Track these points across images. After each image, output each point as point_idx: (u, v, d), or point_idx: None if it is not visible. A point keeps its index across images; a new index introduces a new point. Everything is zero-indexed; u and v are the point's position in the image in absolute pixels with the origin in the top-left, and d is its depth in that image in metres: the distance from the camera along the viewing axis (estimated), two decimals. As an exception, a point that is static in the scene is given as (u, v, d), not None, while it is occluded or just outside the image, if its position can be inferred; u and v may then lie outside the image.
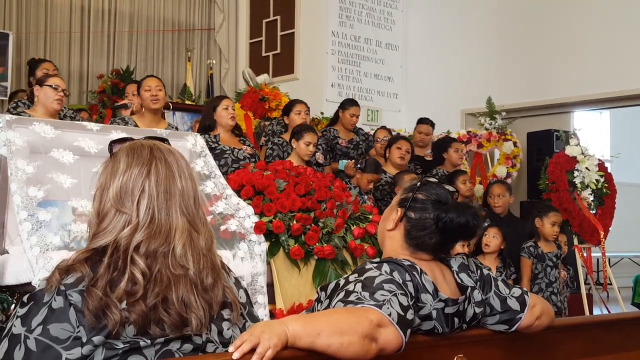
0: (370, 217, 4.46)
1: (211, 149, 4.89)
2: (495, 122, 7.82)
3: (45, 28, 8.97)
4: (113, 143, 1.72)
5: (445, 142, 6.75)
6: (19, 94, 6.44)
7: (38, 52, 8.77)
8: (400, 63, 9.53)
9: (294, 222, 4.06)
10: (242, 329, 1.66)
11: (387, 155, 6.07)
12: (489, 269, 2.12)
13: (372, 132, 7.03)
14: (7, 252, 3.60)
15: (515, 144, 7.73)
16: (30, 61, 6.23)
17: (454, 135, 7.62)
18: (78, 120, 5.34)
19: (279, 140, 5.68)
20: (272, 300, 3.86)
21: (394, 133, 7.16)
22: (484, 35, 8.61)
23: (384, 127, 6.96)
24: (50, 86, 4.58)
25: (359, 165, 5.72)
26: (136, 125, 4.87)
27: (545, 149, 7.46)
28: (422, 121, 7.04)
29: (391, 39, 9.50)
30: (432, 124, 7.03)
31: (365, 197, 5.42)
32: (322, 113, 7.98)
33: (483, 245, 5.00)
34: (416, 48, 9.42)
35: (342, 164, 5.88)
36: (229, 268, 1.75)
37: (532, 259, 5.11)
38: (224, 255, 3.59)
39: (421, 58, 9.30)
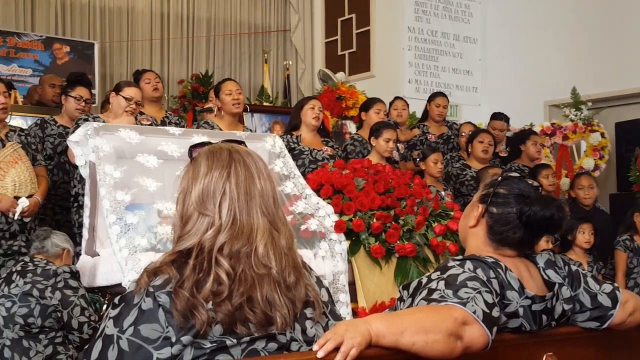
0: (452, 213, 4.40)
1: (290, 150, 4.93)
2: (580, 113, 7.57)
3: (128, 36, 9.23)
4: (192, 148, 1.76)
5: (524, 135, 6.58)
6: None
7: (121, 60, 9.04)
8: (479, 56, 9.37)
9: (374, 220, 4.05)
10: (325, 328, 1.66)
11: (469, 150, 5.98)
12: (579, 265, 2.06)
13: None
14: (98, 255, 3.73)
15: (602, 134, 7.47)
16: (135, 73, 6.40)
17: (537, 128, 7.43)
18: (183, 125, 5.49)
19: (358, 137, 5.66)
20: (354, 298, 3.86)
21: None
22: (566, 22, 8.35)
23: (469, 122, 6.86)
24: (124, 97, 4.58)
25: (419, 159, 5.65)
26: (220, 129, 4.94)
27: (635, 139, 7.17)
28: (496, 117, 6.86)
29: (469, 32, 9.35)
30: (507, 119, 6.86)
31: (444, 193, 5.34)
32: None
33: (582, 243, 4.86)
34: (495, 40, 9.23)
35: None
36: (310, 267, 1.76)
37: (628, 252, 4.93)
38: (305, 254, 3.62)
39: (501, 50, 9.11)
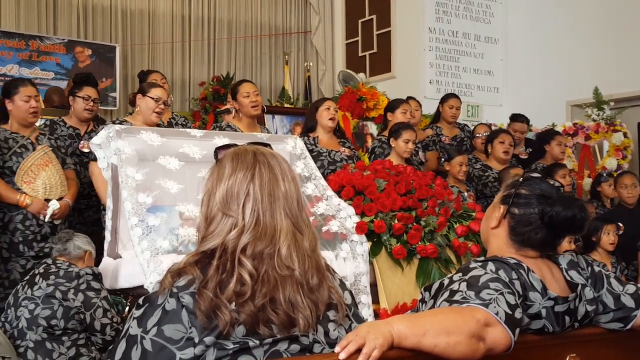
0: (474, 214, 4.38)
1: (308, 151, 4.93)
2: (603, 113, 7.51)
3: (149, 39, 9.29)
4: (218, 150, 1.77)
5: (548, 135, 6.53)
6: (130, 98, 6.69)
7: (143, 62, 9.10)
8: (501, 56, 9.32)
9: (396, 221, 4.04)
10: (348, 330, 1.66)
11: (488, 151, 5.94)
12: (603, 265, 2.04)
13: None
14: (120, 257, 3.75)
15: (625, 134, 7.40)
16: (140, 73, 6.44)
17: (559, 128, 7.37)
18: (189, 126, 5.49)
19: (385, 139, 5.64)
20: (375, 300, 3.85)
21: (494, 128, 7.00)
22: (589, 22, 8.28)
23: (483, 123, 6.82)
24: (152, 98, 4.57)
25: (443, 160, 5.62)
26: (241, 131, 4.94)
27: (658, 139, 7.12)
28: (516, 118, 6.81)
29: (490, 32, 9.31)
30: (527, 121, 6.81)
31: (466, 194, 5.32)
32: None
33: (607, 244, 4.82)
34: (517, 40, 9.17)
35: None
36: (333, 270, 1.77)
37: None
38: (327, 256, 3.60)
39: (522, 50, 9.06)
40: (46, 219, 4.24)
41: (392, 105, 5.96)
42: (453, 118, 6.44)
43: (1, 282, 4.19)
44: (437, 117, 6.57)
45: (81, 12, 8.77)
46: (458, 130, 6.49)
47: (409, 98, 6.49)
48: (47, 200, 4.27)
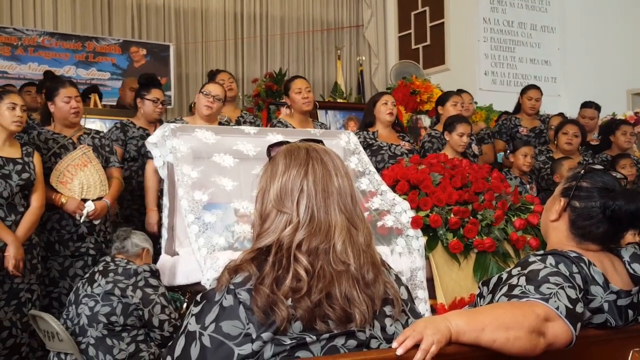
0: (532, 207, 4.30)
1: (369, 146, 4.91)
2: (665, 101, 7.31)
3: (202, 37, 9.39)
4: (271, 147, 1.78)
5: (613, 125, 6.38)
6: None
7: (196, 61, 9.21)
8: (558, 45, 9.15)
9: (452, 215, 3.99)
10: (405, 325, 1.65)
11: (556, 143, 5.83)
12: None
13: None
14: (178, 254, 3.80)
15: (687, 122, 7.19)
16: (209, 73, 6.51)
17: (619, 117, 7.19)
18: (259, 124, 5.54)
19: (436, 133, 5.59)
20: (432, 295, 3.82)
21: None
22: (649, 8, 8.07)
23: (560, 114, 6.71)
24: (203, 93, 4.65)
25: (508, 152, 5.53)
26: (293, 127, 4.96)
27: None
28: (586, 105, 6.71)
29: (547, 21, 9.15)
30: (598, 108, 6.68)
31: (528, 186, 5.23)
32: (475, 102, 7.80)
33: None
34: (574, 28, 8.99)
35: (500, 156, 5.73)
36: (389, 265, 1.76)
37: None
38: (382, 251, 3.59)
39: (580, 38, 8.87)
40: (81, 220, 4.28)
41: (443, 99, 5.91)
42: (532, 110, 6.37)
43: (42, 280, 4.26)
44: (517, 108, 6.50)
45: (135, 13, 8.92)
46: (539, 121, 6.40)
47: (460, 91, 6.44)
48: (85, 200, 4.30)
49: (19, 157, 4.09)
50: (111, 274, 3.49)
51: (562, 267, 1.79)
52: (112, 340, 3.40)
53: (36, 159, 4.16)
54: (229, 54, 9.55)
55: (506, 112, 7.01)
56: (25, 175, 4.05)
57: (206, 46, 9.40)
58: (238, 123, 5.29)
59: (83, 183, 4.32)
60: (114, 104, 7.19)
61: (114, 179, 4.53)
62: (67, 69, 8.10)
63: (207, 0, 9.44)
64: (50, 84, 4.69)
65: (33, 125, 4.87)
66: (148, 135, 4.98)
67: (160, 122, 5.24)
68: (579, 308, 1.71)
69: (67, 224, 4.29)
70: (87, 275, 3.62)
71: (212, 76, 5.95)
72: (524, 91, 6.45)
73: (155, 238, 4.25)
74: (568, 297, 1.69)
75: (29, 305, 4.01)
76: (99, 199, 4.35)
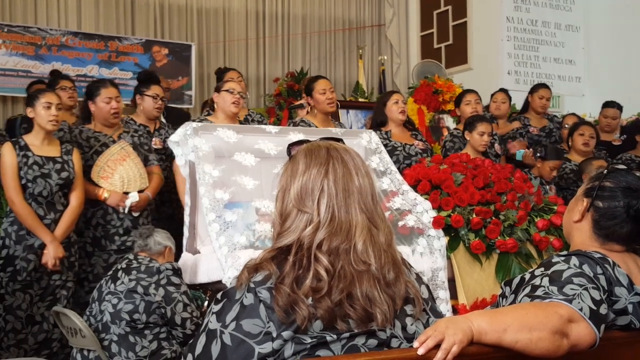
0: (555, 208, 4.27)
1: (383, 146, 4.90)
2: (691, 101, 7.22)
3: (224, 37, 9.42)
4: (291, 146, 1.78)
5: (638, 125, 6.33)
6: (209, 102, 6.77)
7: (218, 60, 9.23)
8: (582, 44, 9.07)
9: (474, 215, 3.97)
10: (426, 325, 1.65)
11: (569, 143, 5.79)
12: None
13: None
14: (199, 252, 3.81)
15: None
16: (217, 71, 6.53)
17: (645, 117, 7.13)
18: (265, 122, 5.55)
19: (457, 133, 5.56)
20: (453, 295, 3.81)
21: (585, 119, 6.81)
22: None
23: (573, 114, 6.66)
24: (227, 90, 4.65)
25: (538, 154, 5.48)
26: (315, 127, 4.95)
27: None
28: (608, 105, 6.65)
29: (571, 20, 9.08)
30: (620, 108, 6.62)
31: (548, 187, 5.19)
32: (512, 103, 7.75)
33: None
34: (599, 27, 8.90)
35: (520, 154, 5.68)
36: (409, 264, 1.75)
37: None
38: (403, 250, 3.58)
39: (605, 37, 8.78)
40: (125, 211, 4.34)
41: (457, 100, 5.93)
42: (543, 109, 6.33)
43: (85, 276, 4.33)
44: (525, 107, 6.45)
45: (158, 12, 8.97)
46: (547, 121, 6.36)
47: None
48: (127, 194, 4.38)
49: (58, 156, 4.19)
50: (134, 272, 3.51)
51: (586, 268, 1.78)
52: (135, 338, 3.42)
53: (75, 157, 4.24)
54: (250, 53, 9.57)
55: (515, 112, 6.94)
56: (64, 175, 4.14)
57: (228, 45, 9.43)
58: (246, 122, 5.29)
59: (123, 177, 4.41)
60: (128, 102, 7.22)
61: (153, 175, 4.60)
62: (90, 68, 8.17)
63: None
64: (91, 84, 4.76)
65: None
66: (148, 132, 5.03)
67: (169, 115, 5.26)
68: (603, 309, 1.69)
69: (111, 218, 4.39)
70: (110, 272, 3.65)
71: (220, 74, 5.96)
72: (534, 90, 6.39)
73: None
74: (592, 298, 1.68)
75: (64, 302, 4.11)
76: (140, 192, 4.44)
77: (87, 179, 4.39)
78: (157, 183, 4.63)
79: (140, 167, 4.51)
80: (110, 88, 4.53)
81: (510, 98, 6.48)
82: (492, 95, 6.40)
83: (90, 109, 4.53)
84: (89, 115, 4.56)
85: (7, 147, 4.13)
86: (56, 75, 6.16)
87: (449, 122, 7.27)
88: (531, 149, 5.68)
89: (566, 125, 6.16)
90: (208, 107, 5.91)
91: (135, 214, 4.42)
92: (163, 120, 5.56)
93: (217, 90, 4.72)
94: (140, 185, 4.47)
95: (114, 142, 4.51)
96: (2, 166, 4.11)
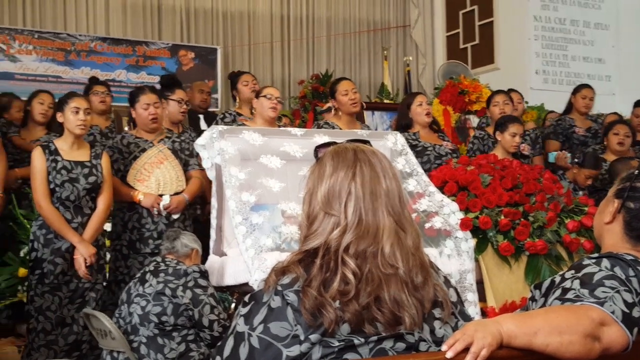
0: (586, 209, 4.21)
1: (412, 147, 4.88)
2: None
3: (249, 40, 9.47)
4: (318, 148, 1.78)
5: None
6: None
7: (243, 63, 9.28)
8: (612, 43, 8.97)
9: (502, 217, 3.94)
10: (454, 328, 1.64)
11: (605, 142, 5.70)
12: None
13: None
14: (226, 255, 3.83)
15: None
16: (230, 75, 6.56)
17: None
18: (282, 125, 5.58)
19: (480, 134, 5.53)
20: (482, 298, 3.78)
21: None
22: None
23: (614, 113, 6.56)
24: (265, 96, 4.78)
25: (576, 160, 5.40)
26: (340, 129, 4.96)
27: None
28: (639, 104, 6.56)
29: (600, 18, 8.98)
30: None
31: (581, 193, 5.11)
32: (526, 102, 7.68)
33: None
34: (629, 25, 8.80)
35: (552, 156, 5.61)
36: (437, 267, 1.74)
37: None
38: (430, 253, 3.55)
39: (635, 35, 8.68)
40: (163, 213, 4.37)
41: (487, 101, 5.89)
42: (586, 109, 6.23)
43: (122, 279, 4.37)
44: (569, 108, 6.35)
45: (184, 17, 9.05)
46: (591, 122, 6.27)
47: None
48: (162, 196, 4.41)
49: (87, 160, 4.25)
50: (162, 274, 3.53)
51: (617, 270, 1.75)
52: (163, 340, 3.44)
53: (104, 160, 4.29)
54: (275, 56, 9.61)
55: (552, 112, 6.87)
56: (92, 179, 4.19)
57: (253, 48, 9.48)
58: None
59: (159, 179, 4.45)
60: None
61: (193, 178, 4.61)
62: (118, 73, 8.26)
63: (254, 3, 9.52)
64: (133, 91, 4.80)
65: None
66: (191, 136, 5.06)
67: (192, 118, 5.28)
68: (636, 312, 1.66)
69: (146, 222, 4.42)
70: (138, 275, 3.67)
71: (234, 78, 5.97)
72: (577, 90, 6.30)
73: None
74: (624, 301, 1.65)
75: (93, 304, 4.15)
76: (177, 194, 4.45)
77: (125, 183, 4.44)
78: (196, 186, 4.62)
79: (177, 170, 4.53)
80: (149, 94, 4.55)
81: (523, 98, 6.45)
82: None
83: (132, 115, 4.60)
84: (133, 121, 4.63)
85: (37, 151, 4.19)
86: (92, 81, 6.22)
87: (475, 123, 7.23)
88: (564, 151, 5.62)
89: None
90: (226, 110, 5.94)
91: (175, 216, 4.43)
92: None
93: (257, 95, 4.86)
94: (177, 188, 4.48)
95: (153, 147, 4.54)
96: (32, 170, 4.19)
